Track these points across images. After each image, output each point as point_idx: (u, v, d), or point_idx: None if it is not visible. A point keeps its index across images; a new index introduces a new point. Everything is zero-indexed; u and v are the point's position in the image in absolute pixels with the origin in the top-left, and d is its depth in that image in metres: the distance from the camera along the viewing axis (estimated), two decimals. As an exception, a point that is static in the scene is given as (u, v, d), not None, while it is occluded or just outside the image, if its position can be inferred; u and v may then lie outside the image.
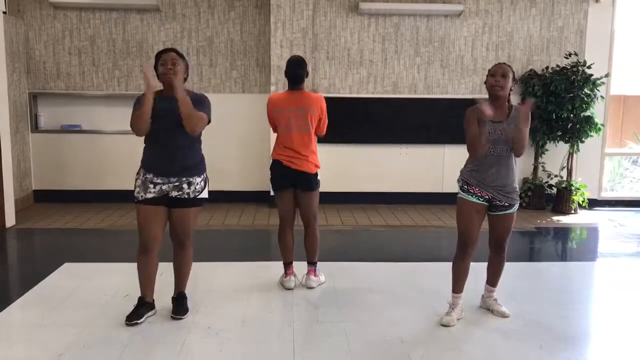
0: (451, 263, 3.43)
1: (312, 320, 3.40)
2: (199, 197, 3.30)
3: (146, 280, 3.33)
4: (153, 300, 3.41)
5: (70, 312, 3.38)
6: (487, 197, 3.27)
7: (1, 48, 5.67)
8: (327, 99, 3.97)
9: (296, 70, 3.79)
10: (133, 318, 3.25)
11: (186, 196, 3.23)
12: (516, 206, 3.35)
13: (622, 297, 3.94)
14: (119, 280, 3.48)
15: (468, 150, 3.28)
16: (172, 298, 3.43)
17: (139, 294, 3.36)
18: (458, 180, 3.41)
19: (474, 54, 7.15)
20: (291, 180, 3.82)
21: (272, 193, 6.89)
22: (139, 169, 3.29)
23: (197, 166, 3.30)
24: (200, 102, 3.24)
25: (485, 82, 3.29)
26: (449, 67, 7.15)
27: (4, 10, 5.86)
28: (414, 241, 5.66)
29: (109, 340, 3.04)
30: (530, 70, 7.10)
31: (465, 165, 3.40)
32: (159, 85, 3.16)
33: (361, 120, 7.07)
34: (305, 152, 3.78)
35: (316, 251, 3.99)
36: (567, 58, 6.91)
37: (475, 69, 7.16)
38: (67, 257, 4.59)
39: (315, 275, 4.00)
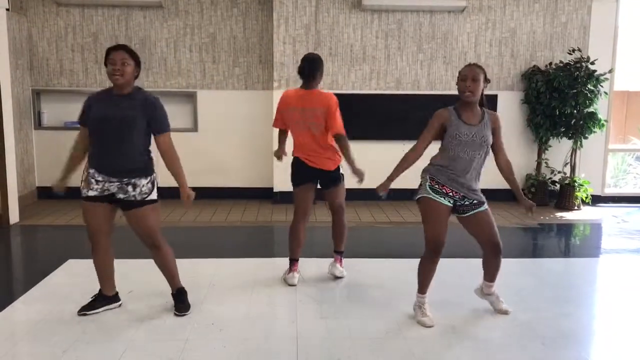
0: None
1: (315, 317, 3.40)
2: (147, 199, 3.17)
3: (100, 274, 3.38)
4: (115, 293, 3.45)
5: (74, 308, 3.39)
6: (457, 196, 3.17)
7: (4, 45, 5.68)
8: (330, 96, 3.93)
9: (303, 65, 3.78)
10: (84, 309, 3.33)
11: (132, 199, 3.14)
12: (486, 203, 3.22)
13: (625, 294, 3.94)
14: (122, 276, 3.49)
15: (412, 151, 3.29)
16: (172, 295, 3.44)
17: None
18: (424, 179, 3.26)
19: (477, 50, 7.13)
20: (310, 177, 3.87)
21: (275, 189, 6.98)
22: (86, 164, 3.23)
23: (143, 168, 3.16)
24: (156, 112, 3.11)
25: (456, 84, 3.17)
26: (452, 64, 7.13)
27: (7, 7, 5.86)
28: (417, 238, 5.64)
29: (113, 337, 3.06)
30: (534, 66, 7.08)
31: (431, 164, 3.28)
32: None
33: (364, 117, 7.05)
34: (320, 151, 3.81)
35: (344, 239, 4.09)
36: (570, 54, 6.88)
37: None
38: (71, 254, 4.61)
39: (341, 265, 4.09)
